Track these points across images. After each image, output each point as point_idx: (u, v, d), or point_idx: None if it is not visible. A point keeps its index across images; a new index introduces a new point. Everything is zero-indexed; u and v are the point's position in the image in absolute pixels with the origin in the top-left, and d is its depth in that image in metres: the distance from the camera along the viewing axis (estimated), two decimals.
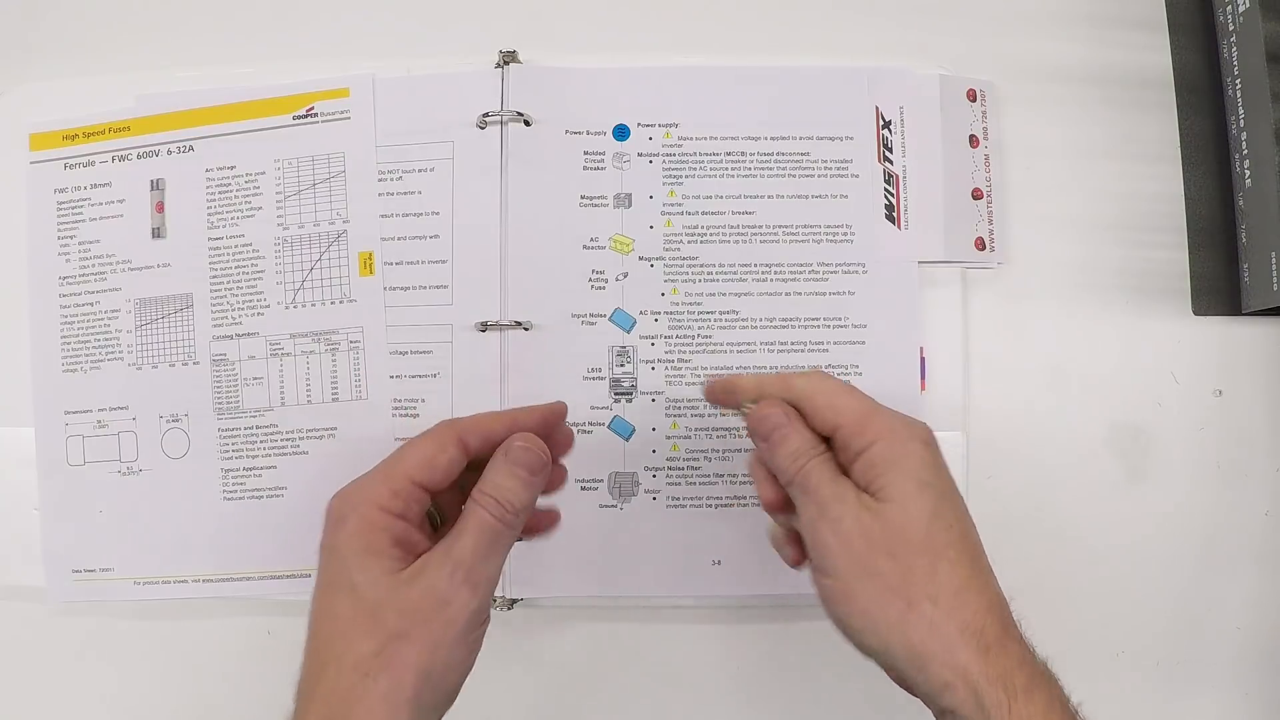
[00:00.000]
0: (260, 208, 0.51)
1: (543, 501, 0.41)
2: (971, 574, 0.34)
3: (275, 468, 0.50)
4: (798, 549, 0.39)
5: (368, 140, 0.50)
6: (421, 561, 0.35)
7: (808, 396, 0.37)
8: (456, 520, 0.37)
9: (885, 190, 0.50)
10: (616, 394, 0.49)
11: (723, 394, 0.40)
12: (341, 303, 0.50)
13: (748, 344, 0.49)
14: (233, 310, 0.50)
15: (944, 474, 0.36)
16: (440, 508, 0.39)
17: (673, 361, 0.49)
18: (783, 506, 0.39)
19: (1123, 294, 0.51)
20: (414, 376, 0.49)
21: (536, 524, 0.43)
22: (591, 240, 0.50)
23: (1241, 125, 0.50)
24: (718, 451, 0.49)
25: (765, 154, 0.50)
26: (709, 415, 0.49)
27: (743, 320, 0.49)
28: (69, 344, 0.51)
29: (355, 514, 0.35)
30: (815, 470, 0.36)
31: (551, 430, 0.40)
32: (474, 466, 0.38)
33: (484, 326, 0.49)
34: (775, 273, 0.50)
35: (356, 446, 0.49)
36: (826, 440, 0.37)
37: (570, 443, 0.42)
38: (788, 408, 0.37)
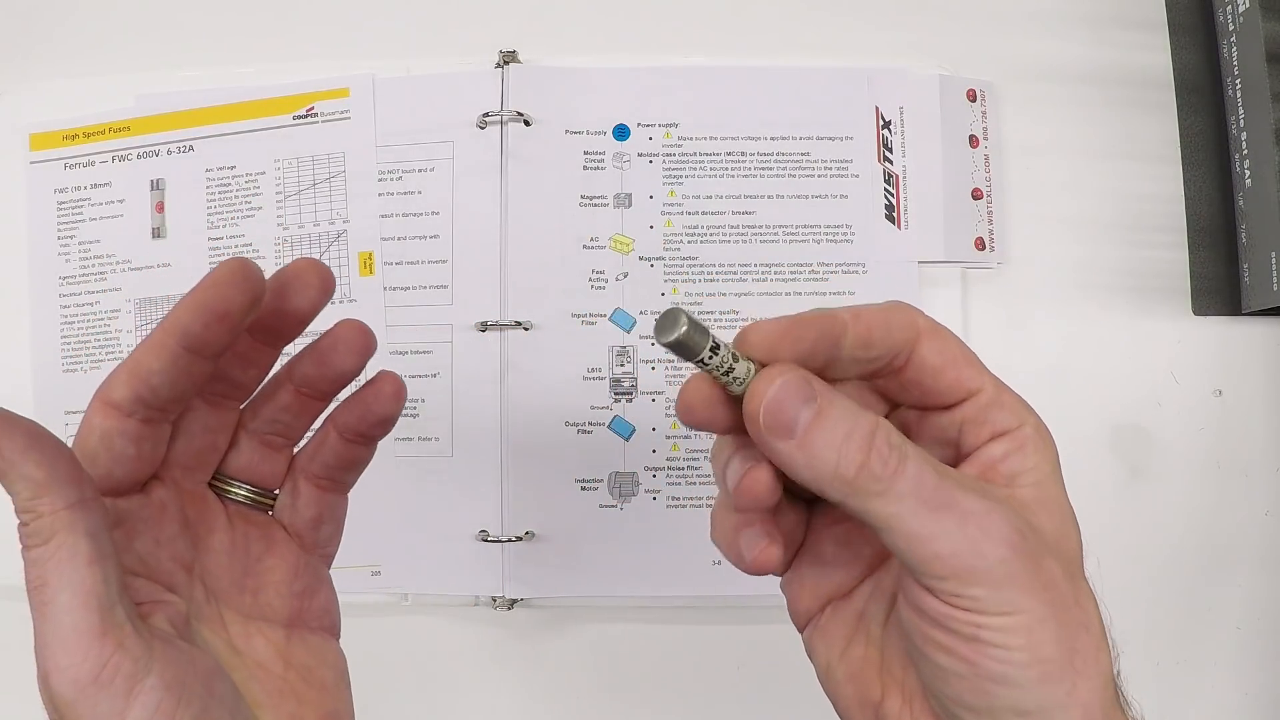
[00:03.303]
0: (260, 208, 0.51)
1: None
2: (1103, 630, 0.25)
3: None
4: (779, 547, 0.26)
5: (368, 140, 0.50)
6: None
7: (913, 343, 0.25)
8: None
9: (885, 190, 0.50)
10: (616, 394, 0.49)
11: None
12: (341, 303, 0.50)
13: None
14: None
15: None
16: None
17: (673, 361, 0.49)
18: (772, 491, 0.25)
19: (1123, 294, 0.51)
20: (414, 376, 0.49)
21: (369, 408, 0.29)
22: (591, 240, 0.50)
23: (1241, 125, 0.50)
24: None
25: (765, 154, 0.50)
26: None
27: (743, 320, 0.49)
28: (69, 344, 0.51)
29: None
30: (915, 457, 0.23)
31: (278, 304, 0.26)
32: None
33: (484, 326, 0.49)
34: (775, 273, 0.50)
35: None
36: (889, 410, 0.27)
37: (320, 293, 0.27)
38: (807, 373, 0.24)
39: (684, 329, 0.22)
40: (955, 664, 0.23)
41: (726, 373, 0.23)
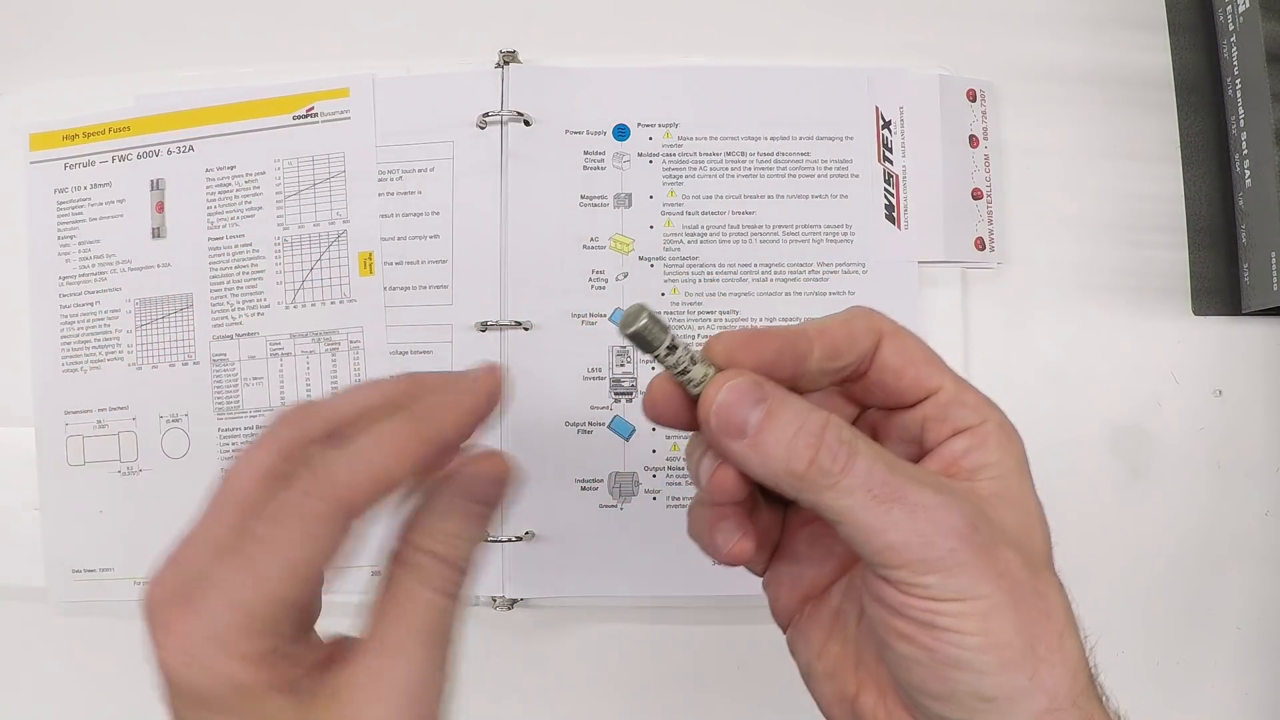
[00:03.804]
0: (260, 208, 0.51)
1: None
2: (1069, 620, 0.25)
3: None
4: (752, 540, 0.27)
5: (368, 140, 0.50)
6: (333, 685, 0.24)
7: (875, 346, 0.26)
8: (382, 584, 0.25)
9: (885, 190, 0.50)
10: (616, 394, 0.49)
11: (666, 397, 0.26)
12: (341, 303, 0.50)
13: None
14: (233, 310, 0.50)
15: None
16: None
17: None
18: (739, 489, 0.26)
19: (1123, 294, 0.51)
20: None
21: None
22: (591, 240, 0.50)
23: (1241, 125, 0.50)
24: None
25: (765, 154, 0.50)
26: None
27: (743, 320, 0.49)
28: (69, 344, 0.51)
29: (209, 674, 0.22)
30: (866, 453, 0.24)
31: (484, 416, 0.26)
32: None
33: (484, 326, 0.49)
34: (775, 273, 0.50)
35: None
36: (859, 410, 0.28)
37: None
38: (757, 376, 0.25)
39: (643, 322, 0.24)
40: (915, 651, 0.24)
41: (682, 373, 0.25)
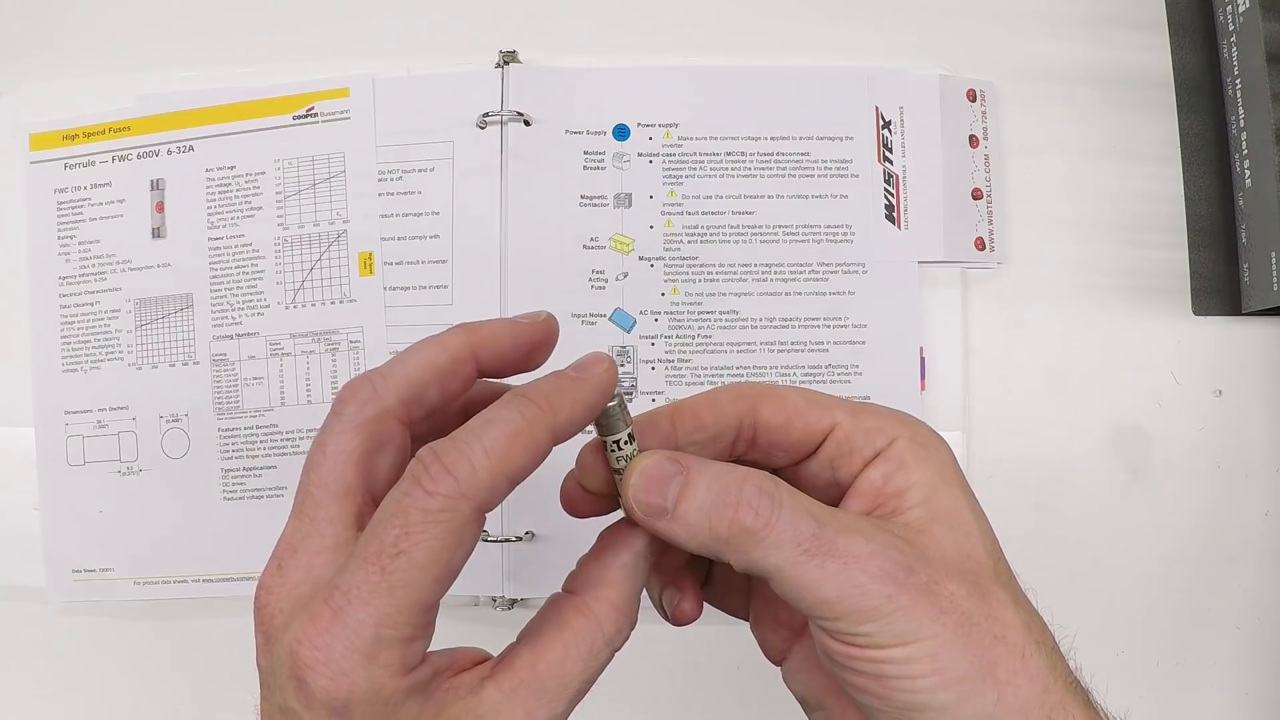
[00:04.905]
0: (260, 208, 0.51)
1: None
2: (1027, 636, 0.25)
3: (275, 468, 0.50)
4: (691, 602, 0.29)
5: (368, 140, 0.50)
6: (474, 707, 0.24)
7: (752, 412, 0.26)
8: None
9: (885, 190, 0.50)
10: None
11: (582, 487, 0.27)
12: (341, 303, 0.50)
13: (748, 344, 0.49)
14: (233, 310, 0.50)
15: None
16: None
17: (673, 361, 0.49)
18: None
19: (1123, 294, 0.51)
20: None
21: None
22: (591, 240, 0.50)
23: (1241, 125, 0.50)
24: None
25: (765, 154, 0.50)
26: None
27: (743, 320, 0.49)
28: (69, 344, 0.51)
29: (354, 685, 0.22)
30: (790, 506, 0.24)
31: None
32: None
33: None
34: (775, 273, 0.50)
35: None
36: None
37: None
38: (671, 452, 0.26)
39: (613, 403, 0.25)
40: (873, 700, 0.24)
41: (620, 467, 0.26)
